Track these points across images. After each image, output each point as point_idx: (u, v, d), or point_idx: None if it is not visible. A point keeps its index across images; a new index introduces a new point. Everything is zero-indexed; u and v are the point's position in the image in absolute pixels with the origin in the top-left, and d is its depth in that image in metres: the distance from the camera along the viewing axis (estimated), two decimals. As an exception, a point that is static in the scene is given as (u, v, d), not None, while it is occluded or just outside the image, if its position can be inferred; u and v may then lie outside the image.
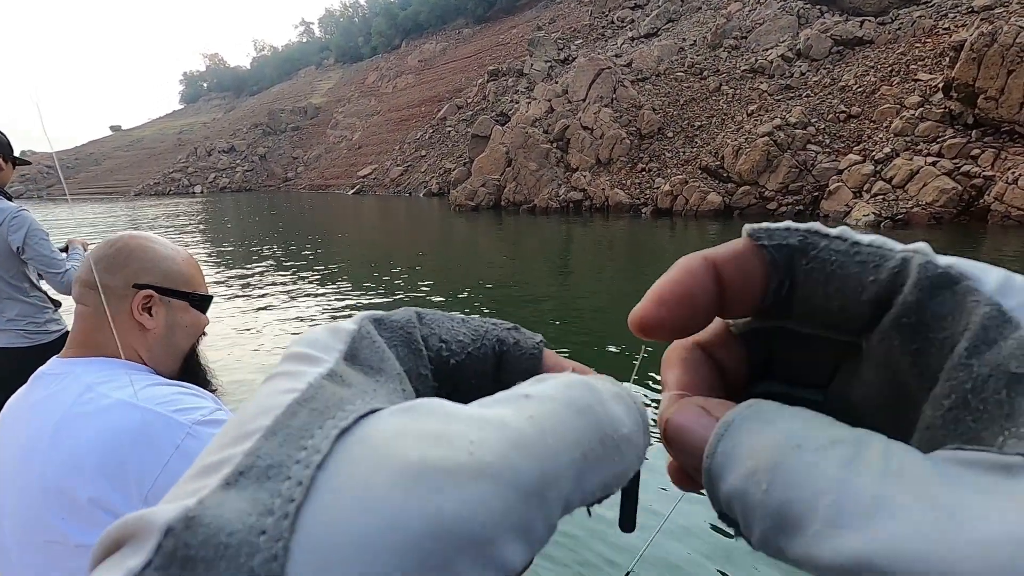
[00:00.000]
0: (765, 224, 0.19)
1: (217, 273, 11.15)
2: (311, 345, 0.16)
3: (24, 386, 0.84)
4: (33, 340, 2.46)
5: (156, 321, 0.87)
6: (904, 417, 0.17)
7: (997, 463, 0.13)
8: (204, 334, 0.99)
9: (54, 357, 0.86)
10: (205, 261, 12.97)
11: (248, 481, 0.12)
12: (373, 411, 0.14)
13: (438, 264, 12.12)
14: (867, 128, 16.67)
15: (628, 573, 1.55)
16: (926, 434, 0.16)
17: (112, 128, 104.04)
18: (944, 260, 0.17)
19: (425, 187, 35.70)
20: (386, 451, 0.13)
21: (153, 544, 0.11)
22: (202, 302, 0.93)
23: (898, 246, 0.18)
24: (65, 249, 2.53)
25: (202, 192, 58.20)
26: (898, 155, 14.90)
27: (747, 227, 0.19)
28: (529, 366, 0.20)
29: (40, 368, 0.84)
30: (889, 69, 17.99)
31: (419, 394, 0.17)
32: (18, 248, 2.31)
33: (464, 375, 0.19)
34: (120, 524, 0.12)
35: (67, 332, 2.56)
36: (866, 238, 0.18)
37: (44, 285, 2.55)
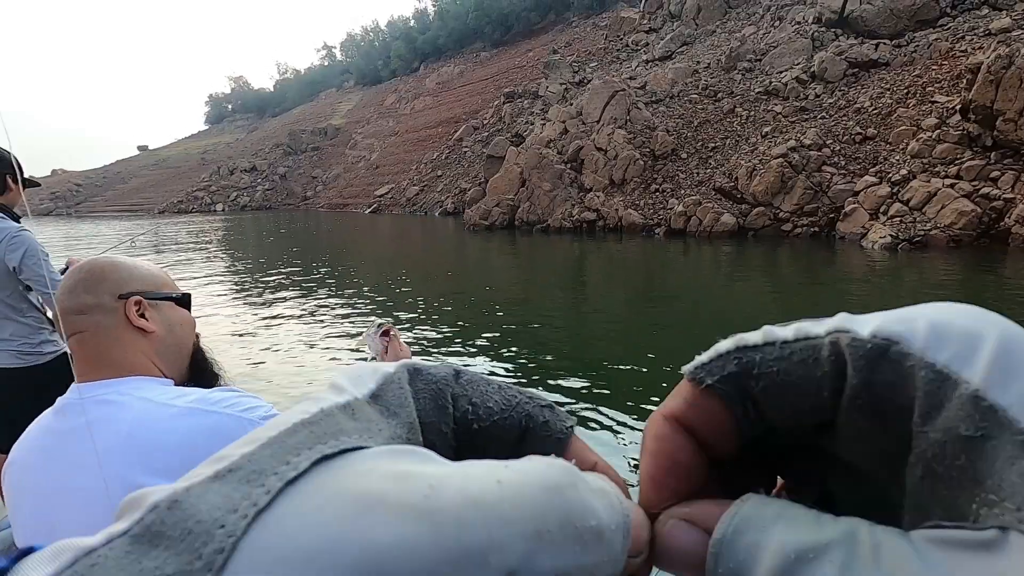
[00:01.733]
0: (696, 362, 0.19)
1: (237, 288, 11.37)
2: (347, 377, 0.17)
3: (47, 417, 0.83)
4: (27, 361, 2.43)
5: (154, 323, 0.89)
6: (893, 486, 0.17)
7: (974, 540, 0.13)
8: (198, 334, 1.03)
9: (73, 384, 0.85)
10: (223, 276, 13.24)
11: (232, 479, 0.14)
12: (362, 447, 0.15)
13: (452, 283, 12.20)
14: (883, 150, 16.56)
15: None
16: (911, 502, 0.16)
17: (139, 148, 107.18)
18: (867, 328, 0.17)
19: (440, 206, 36.09)
20: (350, 482, 0.14)
21: (138, 516, 0.13)
22: (184, 300, 0.97)
23: (820, 329, 0.18)
24: (65, 270, 2.48)
25: (223, 210, 59.44)
26: (915, 177, 14.76)
27: (685, 370, 0.19)
28: (553, 449, 0.20)
29: (61, 399, 0.84)
30: (905, 91, 17.93)
31: (435, 448, 0.17)
32: (15, 268, 2.29)
33: (485, 441, 0.19)
34: (129, 496, 0.14)
35: (64, 353, 2.60)
36: (788, 332, 0.19)
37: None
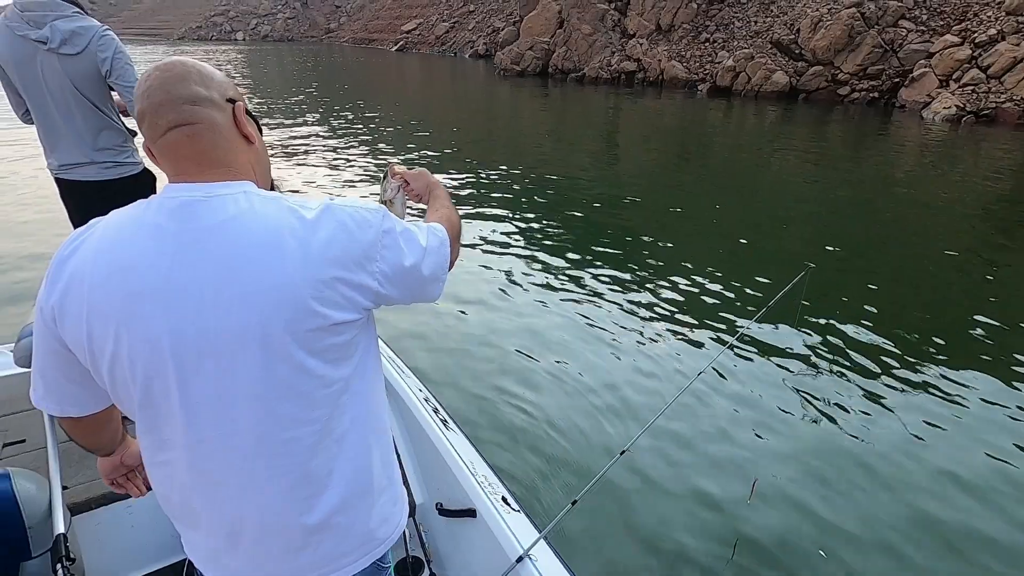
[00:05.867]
0: None
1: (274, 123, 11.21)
2: None
3: (152, 217, 0.75)
4: (122, 172, 2.25)
5: (254, 134, 0.84)
6: None
7: None
8: None
9: (170, 185, 0.77)
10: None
11: None
12: None
13: (477, 135, 11.79)
14: (975, 4, 14.43)
15: (575, 502, 1.53)
16: None
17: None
18: None
19: (471, 47, 33.58)
20: None
21: None
22: (258, 123, 0.90)
23: None
24: None
25: (244, 40, 56.40)
26: (1004, 39, 13.01)
27: None
28: None
29: (169, 196, 0.75)
30: (1023, -72, 15.07)
31: None
32: (106, 72, 2.07)
33: None
34: None
35: (147, 170, 2.31)
36: None
37: None
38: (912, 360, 3.48)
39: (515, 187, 7.21)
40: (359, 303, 0.79)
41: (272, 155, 8.84)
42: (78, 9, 2.07)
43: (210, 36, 58.17)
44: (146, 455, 0.84)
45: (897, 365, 3.42)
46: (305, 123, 11.75)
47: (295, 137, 10.05)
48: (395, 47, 41.15)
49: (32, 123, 2.20)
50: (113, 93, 2.23)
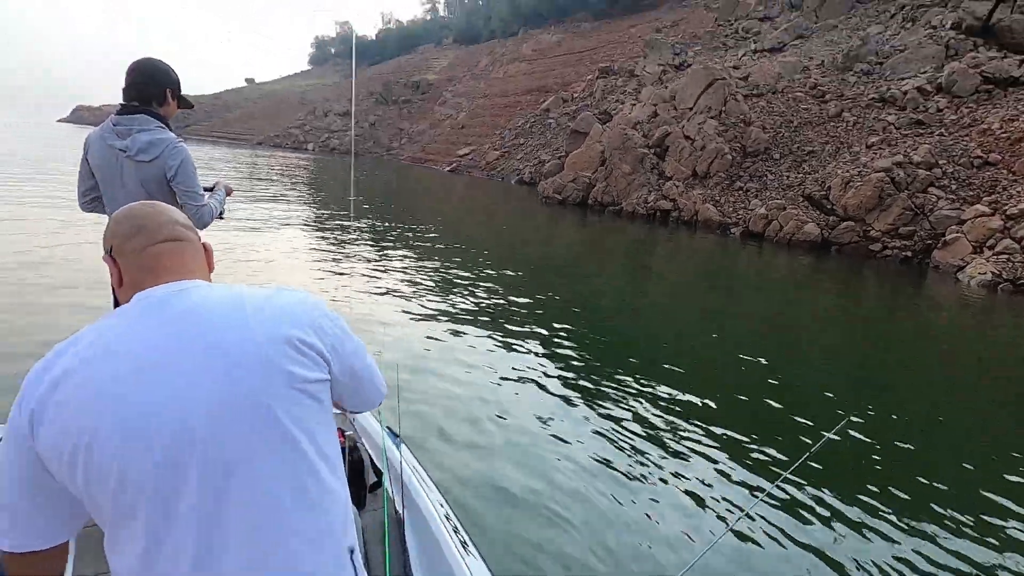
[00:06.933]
0: None
1: (315, 228, 12.01)
2: None
3: (139, 320, 0.85)
4: None
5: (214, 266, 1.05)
6: None
7: None
8: None
9: (142, 292, 0.88)
10: (305, 212, 13.97)
11: None
12: None
13: (516, 249, 12.35)
14: (1004, 179, 15.02)
15: None
16: None
17: (247, 80, 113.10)
18: None
19: (518, 174, 36.12)
20: None
21: None
22: None
23: None
24: (211, 189, 2.64)
25: (313, 150, 62.12)
26: (1035, 213, 13.34)
27: None
28: None
29: (143, 299, 0.87)
30: (1045, 117, 16.05)
31: None
32: (171, 176, 2.38)
33: None
34: None
35: None
36: None
37: None
38: (950, 533, 3.25)
39: (548, 308, 7.42)
40: (319, 363, 0.89)
41: (324, 252, 9.39)
42: (160, 124, 2.41)
43: (284, 144, 64.39)
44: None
45: (938, 532, 3.20)
46: (350, 225, 12.59)
47: (339, 238, 10.74)
48: (448, 168, 44.60)
49: (89, 212, 2.52)
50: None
